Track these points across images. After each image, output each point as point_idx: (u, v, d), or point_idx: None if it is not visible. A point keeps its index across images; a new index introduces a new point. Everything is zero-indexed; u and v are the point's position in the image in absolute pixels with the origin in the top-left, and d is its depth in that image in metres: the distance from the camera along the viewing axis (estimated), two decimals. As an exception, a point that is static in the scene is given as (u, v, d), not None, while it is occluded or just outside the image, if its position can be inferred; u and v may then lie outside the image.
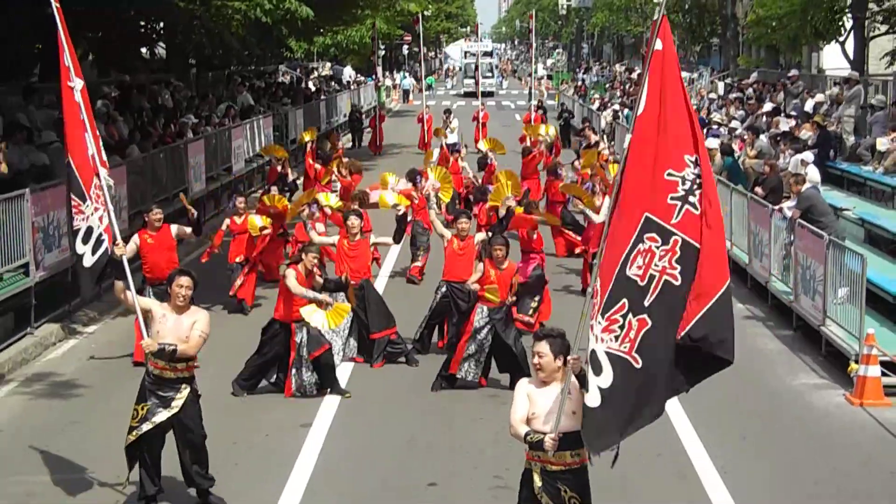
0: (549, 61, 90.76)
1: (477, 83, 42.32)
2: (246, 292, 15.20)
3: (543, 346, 6.82)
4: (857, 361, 11.68)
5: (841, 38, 29.29)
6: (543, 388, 6.84)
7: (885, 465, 10.01)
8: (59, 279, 14.56)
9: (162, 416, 8.67)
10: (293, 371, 11.55)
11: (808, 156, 18.74)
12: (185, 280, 8.74)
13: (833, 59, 33.28)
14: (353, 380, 12.27)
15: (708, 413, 11.17)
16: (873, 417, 11.08)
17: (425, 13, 41.94)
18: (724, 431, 10.76)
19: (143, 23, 28.71)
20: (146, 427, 8.67)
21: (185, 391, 8.71)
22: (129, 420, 8.77)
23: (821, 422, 11.11)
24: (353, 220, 13.00)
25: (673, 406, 11.38)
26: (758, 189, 17.36)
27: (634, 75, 50.92)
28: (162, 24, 29.41)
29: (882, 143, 19.92)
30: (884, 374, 11.56)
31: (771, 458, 10.12)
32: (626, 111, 37.12)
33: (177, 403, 8.68)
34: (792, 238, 14.43)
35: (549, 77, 72.28)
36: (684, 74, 43.29)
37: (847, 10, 28.17)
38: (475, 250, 12.72)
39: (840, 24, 28.41)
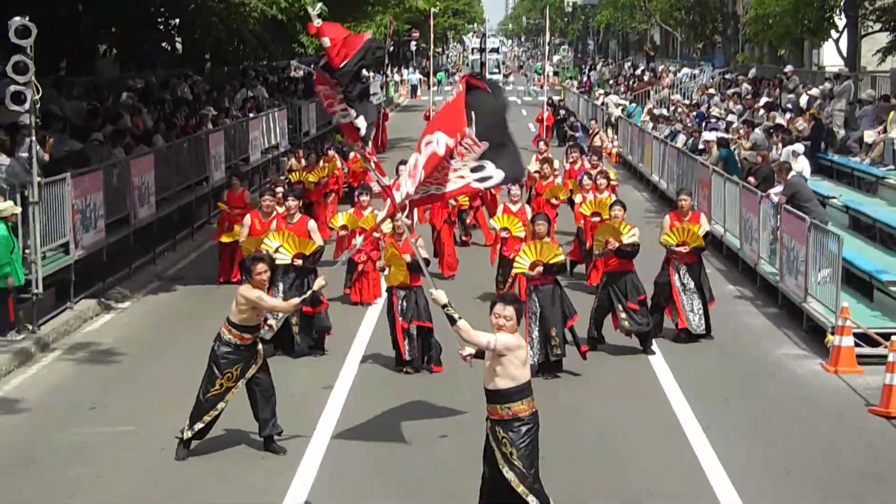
0: (556, 58, 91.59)
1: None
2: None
3: (510, 310, 7.85)
4: (833, 333, 12.70)
5: (835, 36, 30.30)
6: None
7: (854, 423, 11.01)
8: (96, 258, 15.64)
9: (253, 369, 9.88)
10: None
11: (799, 147, 19.75)
12: (263, 266, 9.89)
13: (832, 55, 34.23)
14: (371, 347, 13.31)
15: (695, 379, 12.22)
16: (846, 383, 12.10)
17: (433, 10, 42.77)
18: (710, 395, 11.76)
19: (160, 20, 29.75)
20: (241, 383, 9.86)
21: (260, 345, 10.03)
22: (223, 384, 9.73)
23: (798, 386, 12.13)
24: (291, 202, 13.61)
25: (663, 372, 12.47)
26: (750, 178, 18.37)
27: (638, 71, 51.95)
28: (178, 21, 30.44)
29: (869, 136, 20.99)
30: (857, 345, 12.59)
31: (751, 417, 11.13)
32: (630, 105, 38.17)
33: (260, 356, 9.94)
34: (778, 223, 15.46)
35: (556, 73, 73.20)
36: (686, 70, 44.38)
37: (841, 8, 29.15)
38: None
39: (830, 22, 29.41)
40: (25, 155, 13.63)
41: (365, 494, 9.16)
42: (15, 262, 12.83)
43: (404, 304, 12.32)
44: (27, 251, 13.42)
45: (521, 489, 7.81)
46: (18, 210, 13.05)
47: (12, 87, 12.97)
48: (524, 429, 7.87)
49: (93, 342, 13.76)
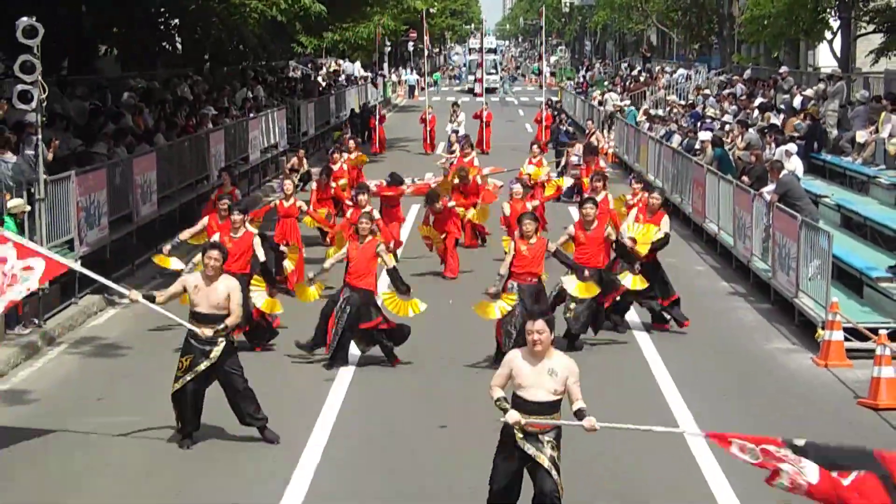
0: (553, 58, 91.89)
1: (480, 81, 43.06)
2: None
3: (543, 325, 7.79)
4: (823, 328, 12.97)
5: (829, 37, 30.60)
6: (535, 363, 7.82)
7: (846, 416, 11.28)
8: (100, 254, 15.89)
9: (203, 366, 10.05)
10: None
11: (792, 147, 20.02)
12: (215, 253, 10.12)
13: (827, 57, 34.55)
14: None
15: (690, 375, 12.46)
16: (835, 376, 12.38)
17: (430, 10, 42.93)
18: (703, 387, 12.03)
19: (161, 20, 30.00)
20: (189, 377, 10.07)
21: (222, 344, 10.09)
22: (175, 371, 10.14)
23: (788, 379, 12.41)
24: (235, 216, 13.05)
25: (658, 366, 12.72)
26: (744, 177, 18.65)
27: (635, 72, 52.22)
28: (179, 21, 30.69)
29: (861, 136, 21.29)
30: (847, 340, 12.86)
31: (742, 408, 11.38)
32: (629, 106, 38.40)
33: (214, 354, 10.05)
34: (770, 220, 15.73)
35: (552, 74, 73.50)
36: (682, 71, 44.68)
37: (834, 10, 29.44)
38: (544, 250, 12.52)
39: (824, 23, 29.71)
40: (31, 153, 13.87)
41: (366, 487, 9.37)
42: (23, 258, 13.05)
43: (345, 305, 12.41)
44: (33, 247, 13.65)
45: (561, 490, 7.85)
46: (28, 208, 13.30)
47: (19, 87, 13.22)
48: (560, 430, 7.99)
49: (98, 336, 14.02)
